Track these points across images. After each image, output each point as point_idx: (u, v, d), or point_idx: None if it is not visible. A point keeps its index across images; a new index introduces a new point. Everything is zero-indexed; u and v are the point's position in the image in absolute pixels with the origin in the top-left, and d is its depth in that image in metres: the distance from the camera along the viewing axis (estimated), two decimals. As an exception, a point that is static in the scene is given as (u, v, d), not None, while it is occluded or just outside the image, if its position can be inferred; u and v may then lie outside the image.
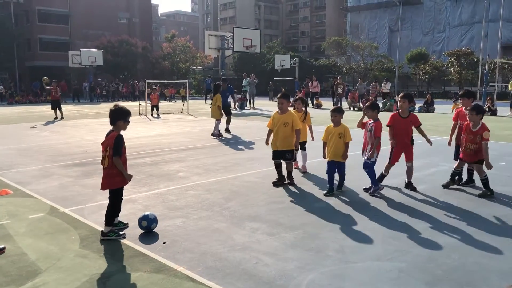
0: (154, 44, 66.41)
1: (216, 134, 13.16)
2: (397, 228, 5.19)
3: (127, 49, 51.76)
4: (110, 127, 4.98)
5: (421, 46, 56.09)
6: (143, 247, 4.64)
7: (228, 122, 14.64)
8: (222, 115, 13.78)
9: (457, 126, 7.21)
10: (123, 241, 4.82)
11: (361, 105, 24.02)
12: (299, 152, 8.06)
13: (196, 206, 6.10)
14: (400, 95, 7.07)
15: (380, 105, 24.87)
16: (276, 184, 7.18)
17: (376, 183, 6.65)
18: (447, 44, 57.91)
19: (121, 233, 4.97)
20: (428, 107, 23.26)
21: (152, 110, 22.11)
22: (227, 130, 14.34)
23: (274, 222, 5.41)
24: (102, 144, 4.90)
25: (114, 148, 4.77)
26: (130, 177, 4.96)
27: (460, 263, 4.20)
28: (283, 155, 7.16)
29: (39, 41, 53.35)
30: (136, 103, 27.23)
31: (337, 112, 6.80)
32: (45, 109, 26.45)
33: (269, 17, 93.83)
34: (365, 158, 6.67)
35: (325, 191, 6.67)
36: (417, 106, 22.72)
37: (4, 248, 4.55)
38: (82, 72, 45.22)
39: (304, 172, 8.19)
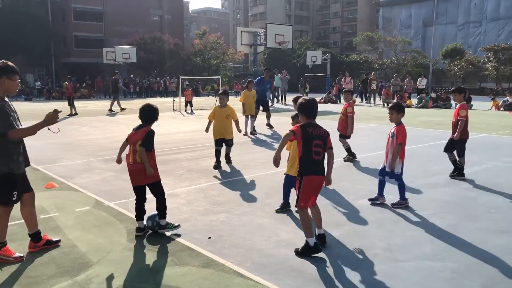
0: (185, 40, 66.94)
1: (252, 132, 12.90)
2: (444, 227, 5.07)
3: (159, 46, 52.38)
4: None
5: (455, 41, 54.60)
6: (189, 241, 4.68)
7: (268, 117, 14.50)
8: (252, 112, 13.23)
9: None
10: (169, 235, 4.87)
11: (395, 101, 23.60)
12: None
13: (237, 202, 6.12)
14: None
15: (416, 101, 24.62)
16: (216, 167, 8.31)
17: (404, 197, 5.86)
18: (484, 38, 56.14)
19: (176, 224, 5.00)
20: (466, 104, 22.61)
21: (186, 106, 22.31)
22: (268, 125, 14.20)
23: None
24: (131, 138, 4.87)
25: (147, 141, 4.78)
26: (151, 171, 4.80)
27: (515, 264, 4.08)
28: (227, 142, 8.47)
29: (74, 38, 54.58)
30: (169, 99, 27.58)
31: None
32: (81, 105, 27.11)
33: (300, 13, 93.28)
34: (387, 169, 5.81)
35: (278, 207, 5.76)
36: (453, 103, 22.14)
37: (59, 240, 4.67)
38: (114, 69, 46.08)
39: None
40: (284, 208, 5.71)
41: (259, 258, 4.26)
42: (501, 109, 21.36)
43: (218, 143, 8.43)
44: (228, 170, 8.25)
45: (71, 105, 20.24)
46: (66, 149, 10.61)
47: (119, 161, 5.07)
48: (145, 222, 5.00)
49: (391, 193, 6.14)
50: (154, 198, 4.98)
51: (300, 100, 4.48)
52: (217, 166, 8.39)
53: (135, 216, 4.98)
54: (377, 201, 5.97)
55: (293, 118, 5.68)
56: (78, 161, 9.13)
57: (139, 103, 27.35)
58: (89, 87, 42.67)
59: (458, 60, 48.04)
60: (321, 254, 4.29)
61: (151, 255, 4.40)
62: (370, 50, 59.37)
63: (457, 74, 48.57)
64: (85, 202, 6.21)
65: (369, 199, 6.06)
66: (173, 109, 22.12)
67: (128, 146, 4.92)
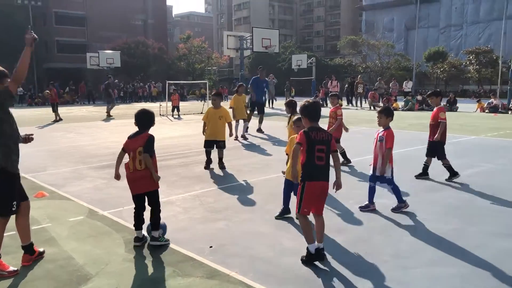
0: (169, 45, 66.60)
1: (243, 136, 12.81)
2: (447, 231, 5.02)
3: (143, 51, 51.97)
4: (135, 128, 4.86)
5: (437, 44, 55.40)
6: (190, 251, 4.54)
7: (260, 121, 14.33)
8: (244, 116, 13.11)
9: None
10: (172, 246, 4.71)
11: (382, 104, 23.74)
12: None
13: (235, 209, 6.00)
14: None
15: (402, 103, 24.78)
16: (206, 168, 8.49)
17: (401, 199, 5.78)
18: (465, 41, 57.05)
19: (167, 239, 4.84)
20: (451, 106, 22.88)
21: (172, 111, 22.10)
22: (259, 130, 14.02)
23: (319, 225, 5.27)
24: (129, 146, 4.71)
25: (148, 146, 4.67)
26: (158, 178, 4.79)
27: (524, 268, 4.04)
28: (218, 144, 8.44)
29: (56, 43, 53.84)
30: (155, 104, 27.32)
31: (301, 122, 5.04)
32: (66, 111, 26.67)
33: (283, 17, 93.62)
34: (377, 174, 5.72)
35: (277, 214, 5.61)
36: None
37: (43, 252, 4.49)
38: (98, 74, 45.52)
39: None
40: (284, 214, 5.59)
41: (264, 267, 4.15)
42: (486, 111, 21.64)
43: (208, 144, 8.49)
44: (222, 175, 8.12)
45: (55, 111, 19.91)
46: (54, 157, 10.35)
47: (117, 177, 4.86)
48: (143, 231, 4.85)
49: (383, 198, 6.12)
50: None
51: (303, 103, 4.38)
52: (208, 166, 8.54)
53: (134, 225, 4.83)
54: (368, 208, 5.85)
55: (295, 122, 5.57)
56: (67, 168, 8.90)
57: (124, 108, 27.08)
58: (72, 93, 42.07)
59: (441, 63, 48.65)
60: (329, 262, 4.20)
61: (152, 266, 4.26)
62: (354, 54, 59.80)
63: (440, 77, 49.17)
64: (78, 211, 6.02)
65: (360, 207, 5.88)
66: (160, 114, 21.87)
67: (126, 155, 4.76)
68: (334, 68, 56.01)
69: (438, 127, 7.34)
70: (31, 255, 4.32)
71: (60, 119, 19.73)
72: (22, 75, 4.01)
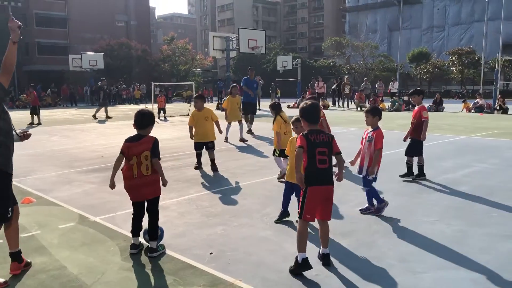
0: (152, 46, 66.04)
1: (242, 140, 12.30)
2: (451, 234, 4.92)
3: (126, 52, 51.42)
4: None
5: (420, 45, 56.05)
6: (190, 258, 4.35)
7: (251, 122, 14.10)
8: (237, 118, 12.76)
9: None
10: (170, 252, 4.52)
11: (368, 105, 23.80)
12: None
13: (233, 213, 5.82)
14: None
15: (389, 104, 24.85)
16: (197, 168, 8.49)
17: (380, 199, 5.62)
18: (447, 43, 57.80)
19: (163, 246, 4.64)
20: (438, 106, 23.04)
21: (159, 113, 21.79)
22: (250, 131, 13.69)
23: (321, 228, 5.13)
24: (131, 150, 4.44)
25: (157, 151, 4.51)
26: (166, 183, 4.64)
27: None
28: (207, 145, 8.40)
29: (37, 45, 52.93)
30: (139, 107, 26.87)
31: (299, 122, 4.94)
32: (48, 113, 26.16)
33: (267, 19, 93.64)
34: (363, 174, 5.63)
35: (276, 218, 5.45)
36: (426, 105, 22.46)
37: (30, 263, 4.24)
38: (79, 76, 44.88)
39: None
40: (283, 217, 5.44)
41: (269, 274, 3.98)
42: (472, 111, 21.83)
43: (198, 147, 8.50)
44: (216, 178, 7.93)
45: (36, 114, 19.40)
46: (39, 161, 10.03)
47: (112, 186, 4.53)
48: (140, 238, 4.64)
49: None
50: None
51: (301, 105, 4.23)
52: (198, 167, 8.55)
53: (131, 232, 4.61)
54: (369, 210, 5.71)
55: (293, 123, 5.41)
56: (53, 173, 8.61)
57: (109, 110, 26.60)
58: (54, 95, 41.34)
59: (424, 64, 49.16)
60: (336, 267, 4.05)
61: (150, 275, 4.06)
62: (339, 55, 60.10)
63: (423, 77, 49.68)
64: (68, 217, 5.78)
65: (360, 210, 5.75)
66: (146, 116, 21.52)
67: (126, 160, 4.51)
68: (318, 69, 56.20)
69: (420, 126, 7.33)
70: (20, 263, 4.08)
71: (39, 123, 19.19)
72: (10, 64, 3.78)
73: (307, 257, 3.94)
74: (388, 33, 65.06)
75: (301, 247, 3.96)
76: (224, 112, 12.49)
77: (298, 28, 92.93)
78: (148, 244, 4.55)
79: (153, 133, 4.67)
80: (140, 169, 4.45)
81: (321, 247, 4.12)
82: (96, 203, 6.43)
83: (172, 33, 63.45)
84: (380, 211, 5.58)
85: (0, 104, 3.82)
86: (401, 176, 7.54)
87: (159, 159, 4.55)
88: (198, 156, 8.60)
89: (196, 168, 8.54)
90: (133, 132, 4.62)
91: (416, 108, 7.58)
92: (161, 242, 4.63)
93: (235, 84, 13.60)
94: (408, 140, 7.65)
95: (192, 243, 4.78)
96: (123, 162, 4.52)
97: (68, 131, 16.29)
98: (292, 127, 5.54)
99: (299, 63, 37.41)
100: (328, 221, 4.18)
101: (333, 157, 4.17)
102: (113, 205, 6.24)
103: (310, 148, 3.98)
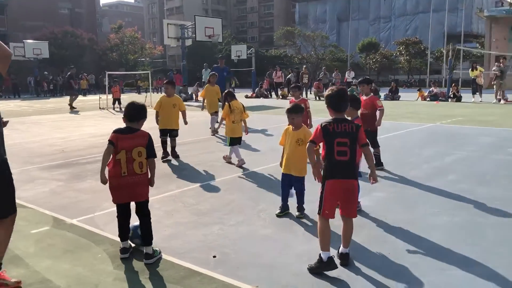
0: (99, 35, 63.41)
1: (214, 130, 11.63)
2: (462, 225, 4.75)
3: (72, 41, 49.05)
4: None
5: (368, 35, 57.16)
6: (191, 263, 3.92)
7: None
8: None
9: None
10: (166, 257, 4.07)
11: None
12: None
13: (224, 210, 5.40)
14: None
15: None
16: (165, 160, 8.20)
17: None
18: (393, 33, 59.42)
19: (159, 250, 4.17)
20: (394, 95, 23.44)
21: (114, 103, 20.77)
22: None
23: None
24: (123, 144, 3.99)
25: (153, 149, 4.07)
26: (154, 183, 4.19)
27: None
28: (171, 133, 8.41)
29: (-28, 32, 49.43)
30: (92, 97, 25.70)
31: (294, 113, 4.99)
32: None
33: (217, 7, 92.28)
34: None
35: (278, 211, 5.14)
36: (382, 94, 22.82)
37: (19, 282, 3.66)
38: (22, 66, 42.35)
39: (241, 165, 7.68)
40: (284, 211, 5.11)
41: (285, 277, 3.62)
42: (428, 99, 22.35)
43: (164, 133, 8.43)
44: (194, 172, 7.46)
45: None
46: (-9, 157, 9.11)
47: (104, 181, 4.00)
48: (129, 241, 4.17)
49: (377, 191, 5.85)
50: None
51: (327, 92, 3.89)
52: (165, 157, 8.29)
53: (120, 236, 4.12)
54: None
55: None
56: (12, 170, 7.78)
57: (56, 102, 25.21)
58: (-6, 86, 38.76)
59: (373, 54, 50.20)
60: (353, 266, 3.77)
61: (151, 285, 3.59)
62: (290, 45, 60.24)
63: (372, 67, 50.75)
64: (39, 221, 5.16)
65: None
66: (100, 108, 20.51)
67: (115, 154, 4.00)
68: (270, 59, 56.13)
69: (372, 117, 7.01)
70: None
71: None
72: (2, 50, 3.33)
73: (332, 256, 3.64)
74: (337, 23, 66.03)
75: (325, 246, 3.65)
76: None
77: (248, 18, 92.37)
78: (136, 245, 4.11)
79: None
80: (132, 166, 3.97)
81: (341, 246, 3.82)
82: (67, 203, 5.83)
83: (120, 21, 61.27)
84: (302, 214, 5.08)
85: None
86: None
87: (156, 157, 4.09)
88: (164, 143, 8.45)
89: (164, 160, 8.23)
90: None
91: (366, 98, 7.06)
92: (153, 245, 4.17)
93: (214, 72, 12.74)
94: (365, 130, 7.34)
95: (188, 245, 4.34)
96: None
97: (18, 124, 15.06)
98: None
99: (253, 53, 37.02)
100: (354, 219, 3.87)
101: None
102: (88, 205, 5.67)
103: (327, 139, 3.65)
